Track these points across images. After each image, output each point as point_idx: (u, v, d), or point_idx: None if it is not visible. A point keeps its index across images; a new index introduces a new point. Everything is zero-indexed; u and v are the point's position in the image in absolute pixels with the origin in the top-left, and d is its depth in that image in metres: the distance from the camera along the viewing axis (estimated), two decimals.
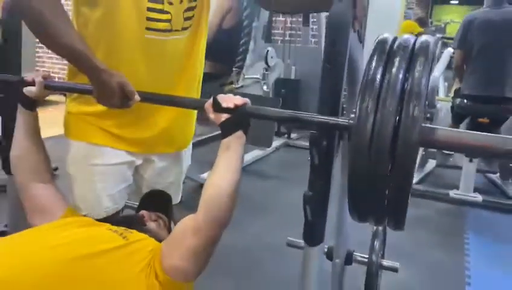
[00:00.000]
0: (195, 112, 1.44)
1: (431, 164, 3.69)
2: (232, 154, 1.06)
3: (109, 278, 0.95)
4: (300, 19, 4.66)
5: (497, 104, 2.86)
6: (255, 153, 3.82)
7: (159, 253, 1.01)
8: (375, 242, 1.58)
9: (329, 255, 1.63)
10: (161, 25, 1.20)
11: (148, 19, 1.18)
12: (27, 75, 1.28)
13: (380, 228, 1.68)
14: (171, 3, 1.19)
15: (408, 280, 2.04)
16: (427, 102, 1.12)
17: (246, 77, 3.67)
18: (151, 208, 1.31)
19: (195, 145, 1.60)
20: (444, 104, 3.67)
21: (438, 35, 5.57)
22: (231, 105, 1.05)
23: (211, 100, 1.08)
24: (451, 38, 4.36)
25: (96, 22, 1.18)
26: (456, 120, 3.13)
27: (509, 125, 3.13)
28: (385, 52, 0.85)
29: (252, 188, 3.06)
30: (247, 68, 3.83)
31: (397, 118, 0.79)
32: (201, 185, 2.95)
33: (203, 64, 1.40)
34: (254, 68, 3.84)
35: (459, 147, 1.01)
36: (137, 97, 1.12)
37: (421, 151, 3.53)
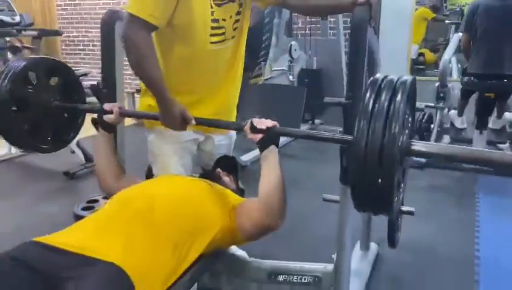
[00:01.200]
0: (235, 104, 1.83)
1: (446, 139, 4.03)
2: (270, 163, 1.39)
3: (210, 211, 1.38)
4: None
5: (499, 80, 3.20)
6: (283, 138, 4.22)
7: (236, 208, 1.42)
8: None
9: None
10: (219, 38, 1.57)
11: (211, 35, 1.55)
12: (106, 105, 1.62)
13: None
14: (224, 20, 1.56)
15: (427, 230, 2.44)
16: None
17: (273, 69, 4.07)
18: (223, 168, 1.74)
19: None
20: (456, 84, 4.00)
21: (447, 21, 5.82)
22: (264, 127, 1.38)
23: (248, 124, 1.40)
24: None
25: (175, 40, 1.53)
26: (464, 96, 3.48)
27: None
28: (375, 89, 1.16)
29: (283, 168, 3.46)
30: (273, 61, 4.22)
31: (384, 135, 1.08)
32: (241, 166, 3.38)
33: (243, 60, 1.76)
34: (280, 61, 4.22)
35: (427, 155, 1.38)
36: (193, 122, 1.50)
37: (436, 127, 3.88)
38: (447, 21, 5.69)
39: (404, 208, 1.97)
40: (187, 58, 1.58)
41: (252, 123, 1.40)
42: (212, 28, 1.54)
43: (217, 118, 1.74)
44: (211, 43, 1.56)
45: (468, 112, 3.81)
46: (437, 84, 3.81)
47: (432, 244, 2.34)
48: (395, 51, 5.03)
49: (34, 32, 4.56)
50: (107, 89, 1.87)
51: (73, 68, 3.59)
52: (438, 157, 1.28)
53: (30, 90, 1.75)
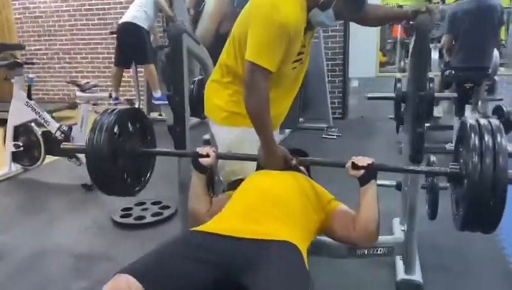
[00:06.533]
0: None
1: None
2: (370, 195, 1.51)
3: (315, 203, 1.57)
4: None
5: (477, 72, 3.72)
6: (279, 136, 4.48)
7: (333, 210, 1.58)
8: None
9: (398, 186, 2.36)
10: (299, 62, 1.77)
11: (295, 61, 1.74)
12: (199, 149, 1.69)
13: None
14: (304, 46, 1.76)
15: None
16: None
17: None
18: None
19: None
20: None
21: None
22: (365, 164, 1.53)
23: (350, 162, 1.56)
24: None
25: None
26: (444, 87, 3.96)
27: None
28: (476, 130, 1.40)
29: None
30: None
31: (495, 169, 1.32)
32: None
33: None
34: None
35: None
36: (293, 162, 1.71)
37: None
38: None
39: (441, 184, 2.31)
40: (279, 78, 1.73)
41: (353, 162, 1.56)
42: (298, 54, 1.74)
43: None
44: (293, 68, 1.77)
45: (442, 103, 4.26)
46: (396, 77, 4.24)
47: None
48: (366, 51, 5.49)
49: None
50: (178, 97, 2.00)
51: (79, 82, 3.60)
52: None
53: (119, 142, 1.80)
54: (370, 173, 1.54)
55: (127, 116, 1.89)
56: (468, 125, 1.46)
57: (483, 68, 3.71)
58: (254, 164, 1.94)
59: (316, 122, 5.04)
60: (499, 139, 1.37)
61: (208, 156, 1.68)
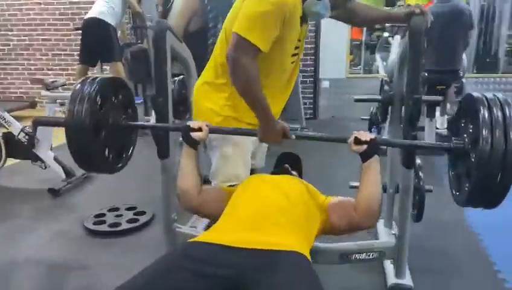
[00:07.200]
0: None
1: None
2: (373, 171, 1.49)
3: (314, 205, 1.53)
4: None
5: (448, 74, 3.82)
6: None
7: (328, 204, 1.55)
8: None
9: (384, 188, 2.34)
10: (296, 56, 1.73)
11: (292, 55, 1.70)
12: (191, 123, 1.62)
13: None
14: (300, 41, 1.71)
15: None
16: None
17: None
18: (289, 163, 1.89)
19: None
20: None
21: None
22: (368, 139, 1.50)
23: (352, 137, 1.52)
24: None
25: (270, 61, 1.63)
26: None
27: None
28: (484, 104, 1.36)
29: None
30: None
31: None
32: None
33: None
34: None
35: None
36: (293, 136, 1.65)
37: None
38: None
39: (426, 187, 2.32)
40: (269, 71, 1.68)
41: (356, 137, 1.53)
42: (295, 48, 1.69)
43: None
44: (292, 62, 1.72)
45: None
46: (383, 79, 4.29)
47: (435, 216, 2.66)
48: (336, 52, 5.51)
49: None
50: (162, 98, 1.89)
51: (45, 81, 3.39)
52: None
53: (102, 113, 1.67)
54: (372, 148, 1.51)
55: (110, 85, 1.75)
56: (474, 98, 1.41)
57: (455, 71, 3.82)
58: (249, 170, 1.88)
59: (288, 123, 4.99)
60: (507, 111, 1.34)
61: (200, 130, 1.60)
